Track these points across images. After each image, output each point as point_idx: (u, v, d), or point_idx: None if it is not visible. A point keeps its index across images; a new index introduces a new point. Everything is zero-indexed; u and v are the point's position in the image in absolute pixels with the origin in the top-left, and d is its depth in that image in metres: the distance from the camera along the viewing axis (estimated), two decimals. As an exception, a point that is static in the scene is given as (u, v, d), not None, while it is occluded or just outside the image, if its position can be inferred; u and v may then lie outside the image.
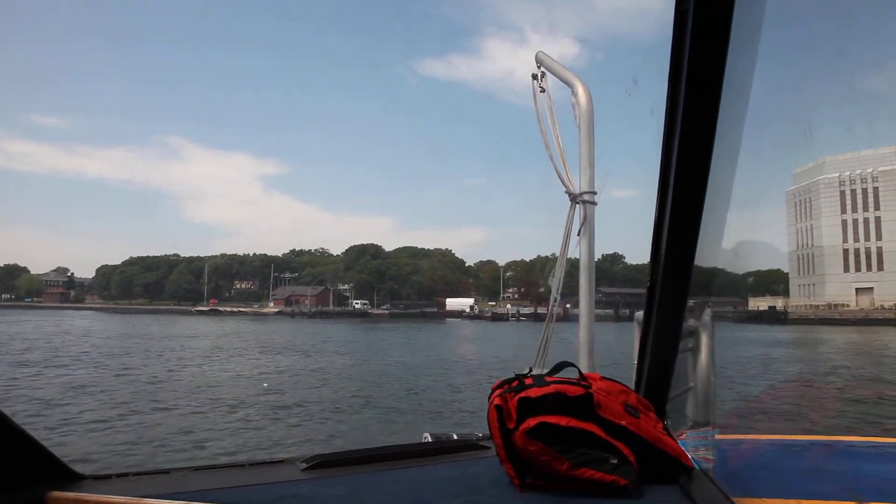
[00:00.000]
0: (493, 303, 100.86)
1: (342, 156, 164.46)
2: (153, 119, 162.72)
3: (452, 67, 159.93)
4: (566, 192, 1.80)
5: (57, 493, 1.18)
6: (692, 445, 1.58)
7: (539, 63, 1.92)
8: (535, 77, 1.94)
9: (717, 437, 1.71)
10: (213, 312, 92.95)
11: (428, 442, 1.68)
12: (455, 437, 1.73)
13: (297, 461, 1.47)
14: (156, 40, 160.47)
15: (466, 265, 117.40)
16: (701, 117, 1.25)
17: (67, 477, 1.27)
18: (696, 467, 1.34)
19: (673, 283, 1.52)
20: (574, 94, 1.79)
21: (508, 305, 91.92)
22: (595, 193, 1.80)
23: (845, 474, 1.89)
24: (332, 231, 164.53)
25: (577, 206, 1.79)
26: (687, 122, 1.27)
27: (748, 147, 1.41)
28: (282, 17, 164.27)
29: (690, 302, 1.72)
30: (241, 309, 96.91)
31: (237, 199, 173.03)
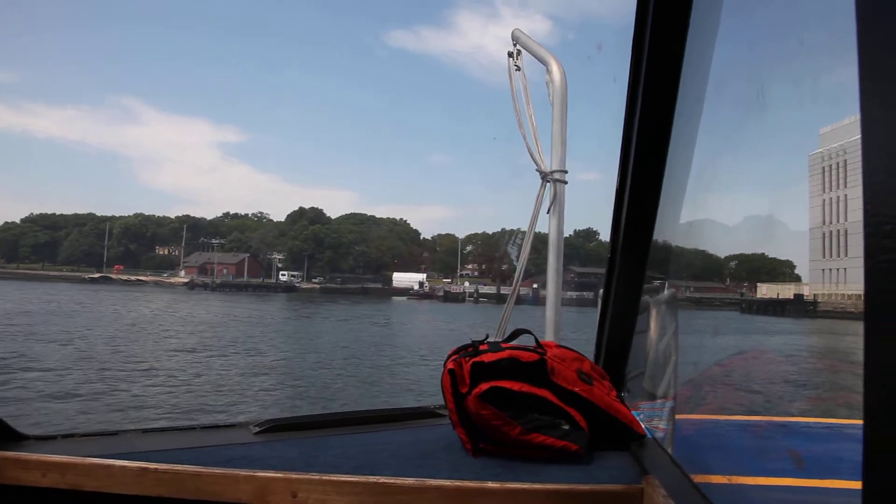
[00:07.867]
0: (449, 280, 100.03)
1: (306, 127, 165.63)
2: (106, 78, 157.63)
3: (421, 39, 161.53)
4: (537, 170, 2.05)
5: None
6: (646, 416, 1.74)
7: (515, 40, 2.11)
8: (510, 55, 2.13)
9: (676, 416, 1.87)
10: (104, 280, 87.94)
11: (382, 409, 1.82)
12: None
13: (249, 425, 1.57)
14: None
15: (422, 237, 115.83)
16: (661, 92, 1.42)
17: (9, 437, 1.33)
18: (649, 435, 1.49)
19: (632, 256, 1.70)
20: (549, 71, 2.01)
21: (466, 283, 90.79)
22: (566, 172, 2.04)
23: (797, 454, 2.21)
24: (292, 203, 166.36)
25: (548, 184, 2.03)
26: (647, 98, 1.44)
27: (708, 125, 1.55)
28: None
29: (656, 282, 1.98)
30: (141, 278, 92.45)
31: (196, 167, 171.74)
